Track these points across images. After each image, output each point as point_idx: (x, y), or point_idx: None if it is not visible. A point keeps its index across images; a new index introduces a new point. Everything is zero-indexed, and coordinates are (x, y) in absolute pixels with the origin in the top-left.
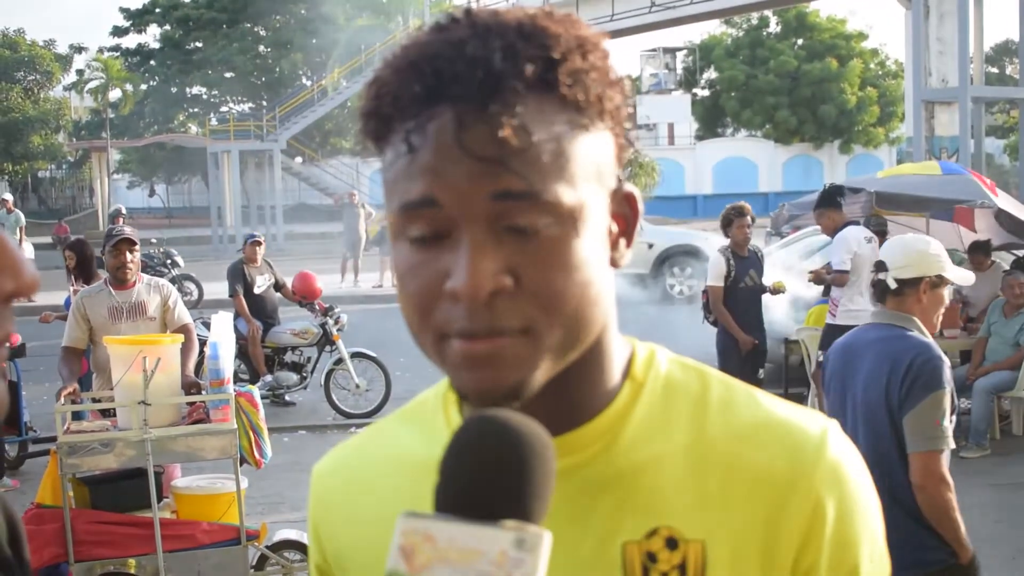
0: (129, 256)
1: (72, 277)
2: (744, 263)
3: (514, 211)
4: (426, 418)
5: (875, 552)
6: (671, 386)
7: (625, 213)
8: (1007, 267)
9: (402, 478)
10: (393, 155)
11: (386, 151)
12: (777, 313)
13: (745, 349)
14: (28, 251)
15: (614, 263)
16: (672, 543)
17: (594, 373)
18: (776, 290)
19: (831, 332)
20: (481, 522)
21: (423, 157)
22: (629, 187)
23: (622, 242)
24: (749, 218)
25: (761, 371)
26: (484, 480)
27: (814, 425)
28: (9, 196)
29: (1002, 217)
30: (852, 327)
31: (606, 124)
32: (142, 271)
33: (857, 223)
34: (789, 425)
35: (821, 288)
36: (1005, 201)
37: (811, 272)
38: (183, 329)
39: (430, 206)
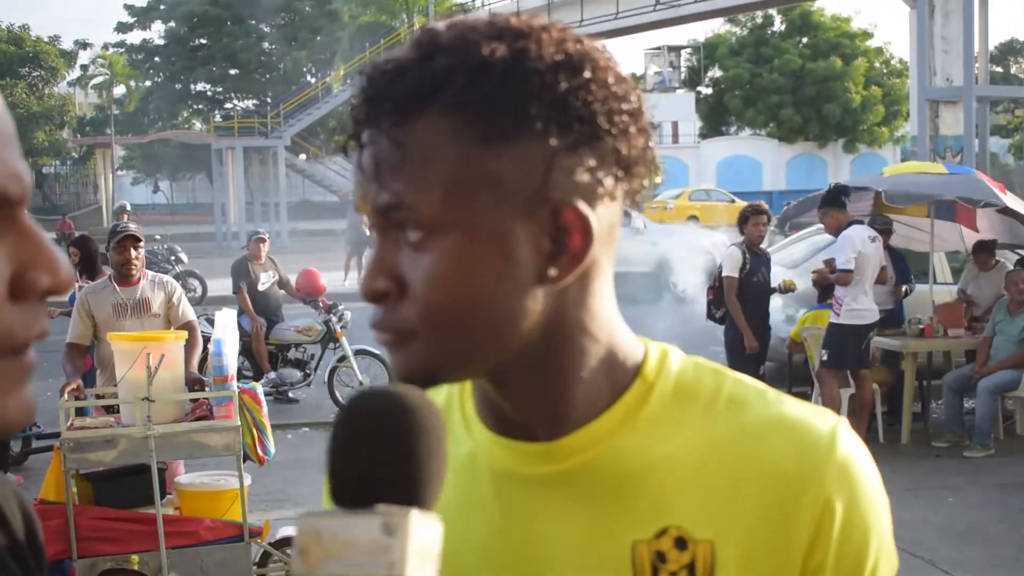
0: (133, 253)
1: (77, 273)
2: (757, 259)
3: (393, 222)
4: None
5: (883, 550)
6: (682, 386)
7: (580, 230)
8: (1011, 266)
9: None
10: None
11: None
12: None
13: (750, 351)
14: None
15: (547, 279)
16: (681, 543)
17: (577, 377)
18: (786, 288)
19: (834, 331)
20: (357, 512)
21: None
22: (579, 204)
23: (564, 260)
24: (766, 216)
25: (762, 367)
26: (364, 469)
27: (824, 423)
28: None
29: (1011, 216)
30: (855, 326)
31: (534, 137)
32: (146, 268)
33: (861, 222)
34: (799, 423)
35: (817, 289)
36: (1012, 201)
37: (814, 272)
38: (187, 326)
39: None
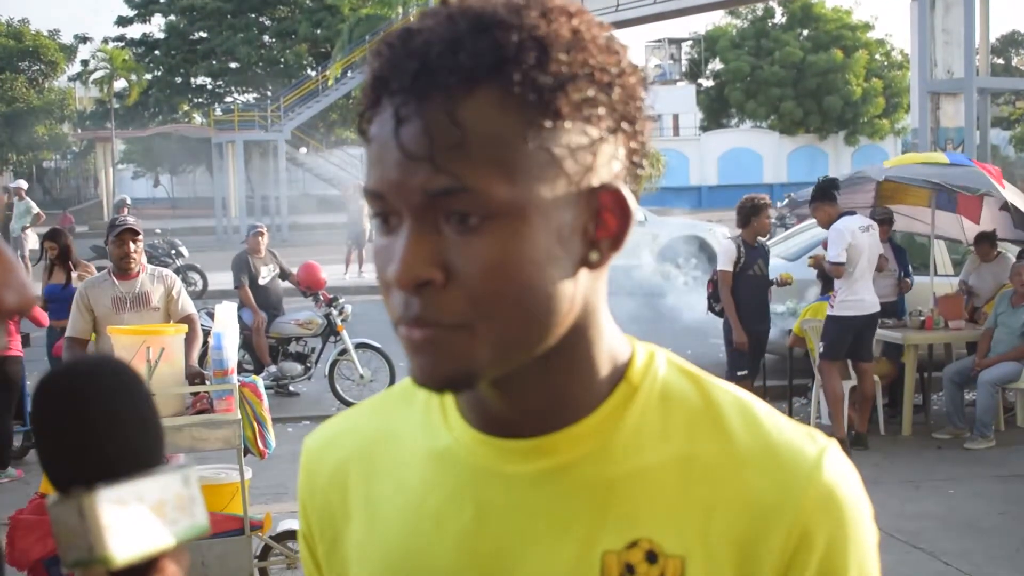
0: (132, 246)
1: (54, 267)
2: (753, 253)
3: (445, 206)
4: (421, 402)
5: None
6: (668, 393)
7: (616, 214)
8: (1013, 258)
9: (390, 464)
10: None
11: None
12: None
13: (737, 346)
14: (32, 241)
15: (589, 264)
16: (652, 556)
17: (577, 373)
18: (783, 282)
19: (829, 323)
20: (66, 499)
21: (371, 150)
22: (618, 187)
23: (605, 243)
24: (771, 209)
25: (762, 360)
26: (66, 452)
27: (811, 448)
28: (24, 183)
29: (1010, 210)
30: (850, 317)
31: (578, 120)
32: (147, 262)
33: (853, 213)
34: (784, 448)
35: (820, 281)
36: (1012, 194)
37: (811, 257)
38: (187, 319)
39: (377, 195)
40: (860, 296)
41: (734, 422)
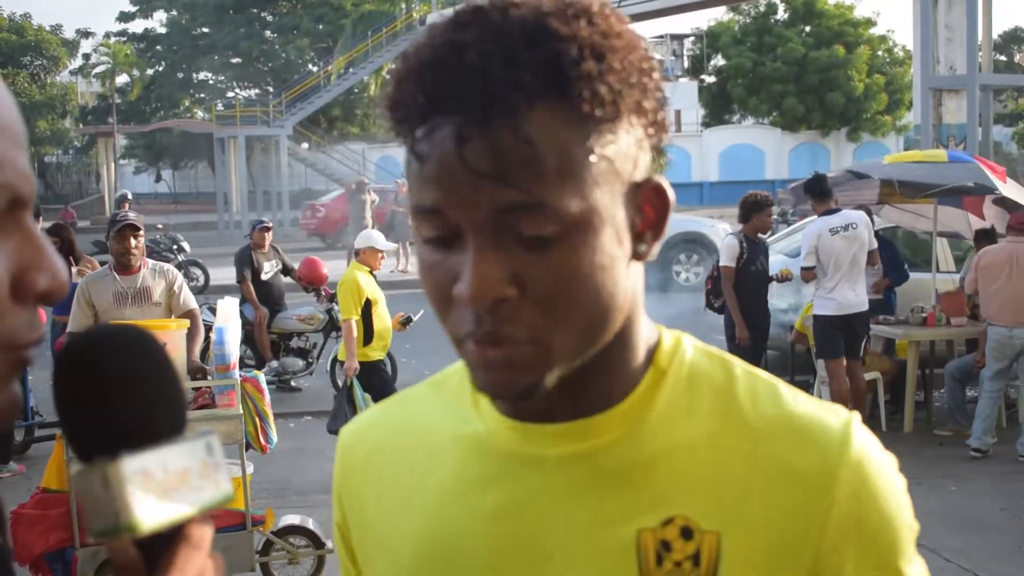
0: (133, 242)
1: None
2: (755, 249)
3: (518, 222)
4: (453, 390)
5: (903, 546)
6: (695, 375)
7: (655, 205)
8: None
9: (422, 450)
10: (407, 158)
11: (404, 147)
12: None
13: (742, 342)
14: None
15: (639, 256)
16: (687, 533)
17: (618, 361)
18: (783, 277)
19: (814, 322)
20: (89, 468)
21: (428, 168)
22: (658, 179)
23: (649, 235)
24: (773, 206)
25: (763, 356)
26: (89, 421)
27: (836, 420)
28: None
29: (1007, 205)
30: (827, 316)
31: (626, 122)
32: (148, 256)
33: (838, 211)
34: (812, 422)
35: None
36: (1012, 189)
37: (780, 271)
38: (189, 314)
39: (437, 213)
40: (835, 296)
41: (760, 397)
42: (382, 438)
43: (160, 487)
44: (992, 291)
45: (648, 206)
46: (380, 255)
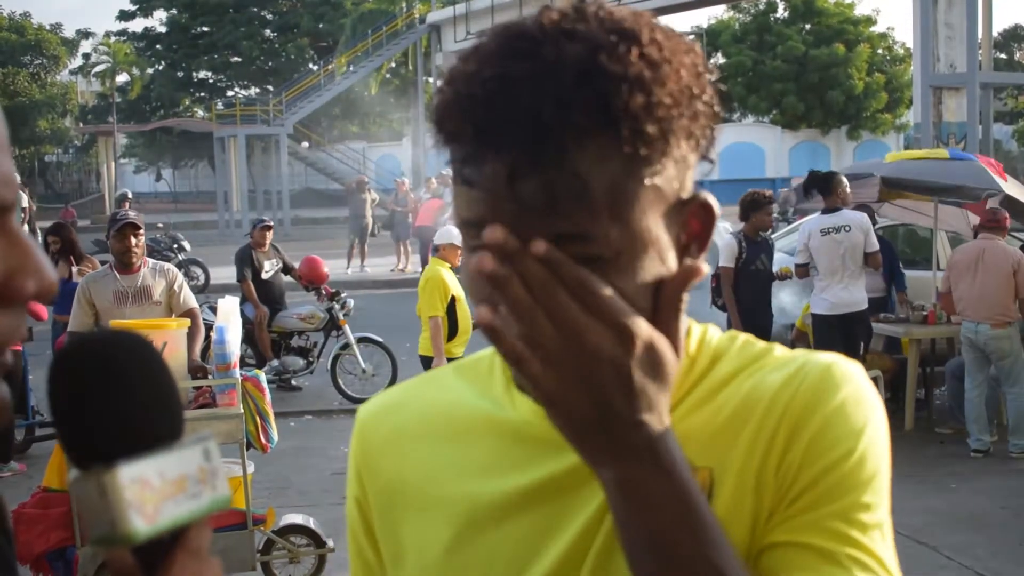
0: (134, 241)
1: (58, 261)
2: (756, 247)
3: (566, 249)
4: (481, 373)
5: (866, 481)
6: (717, 356)
7: (701, 219)
8: None
9: (452, 431)
10: (454, 169)
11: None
12: (784, 298)
13: None
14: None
15: None
16: None
17: None
18: (783, 275)
19: (812, 321)
20: (86, 476)
21: (476, 194)
22: (704, 197)
23: (694, 247)
24: (774, 205)
25: None
26: (86, 429)
27: (830, 358)
28: (16, 177)
29: (1008, 204)
30: (822, 316)
31: (675, 147)
32: (148, 256)
33: (837, 210)
34: (806, 357)
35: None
36: (1013, 187)
37: (781, 268)
38: (189, 313)
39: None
40: (827, 296)
41: (766, 353)
42: (406, 418)
43: (157, 495)
44: (962, 288)
45: (694, 220)
46: (459, 251)
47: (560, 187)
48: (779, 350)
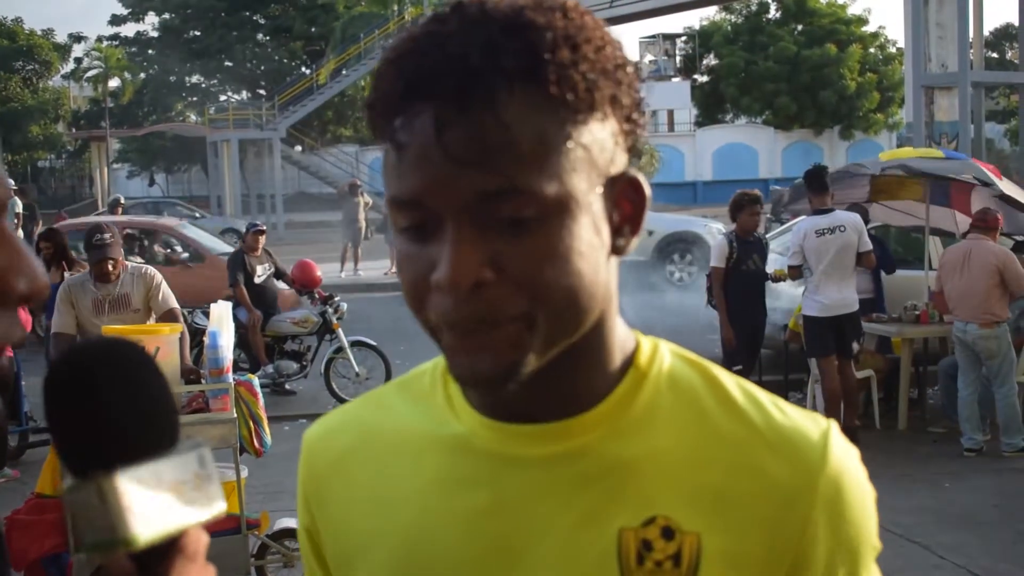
0: (111, 265)
1: (50, 267)
2: (748, 247)
3: (496, 206)
4: (424, 391)
5: (869, 559)
6: (675, 379)
7: (632, 199)
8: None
9: (397, 453)
10: (385, 149)
11: (383, 143)
12: (785, 301)
13: (727, 344)
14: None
15: (617, 251)
16: (668, 533)
17: (594, 360)
18: (777, 278)
19: (804, 321)
20: (84, 482)
21: (407, 155)
22: (634, 174)
23: (627, 229)
24: (760, 206)
25: (758, 355)
26: (80, 436)
27: (815, 430)
28: (11, 182)
29: (1004, 202)
30: (814, 317)
31: (601, 113)
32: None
33: (831, 211)
34: (792, 430)
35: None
36: (1009, 187)
37: (775, 270)
38: (170, 314)
39: (415, 202)
40: (819, 297)
41: (740, 404)
42: (350, 442)
43: (155, 500)
44: (950, 287)
45: (625, 200)
46: None
47: (489, 136)
48: (742, 392)
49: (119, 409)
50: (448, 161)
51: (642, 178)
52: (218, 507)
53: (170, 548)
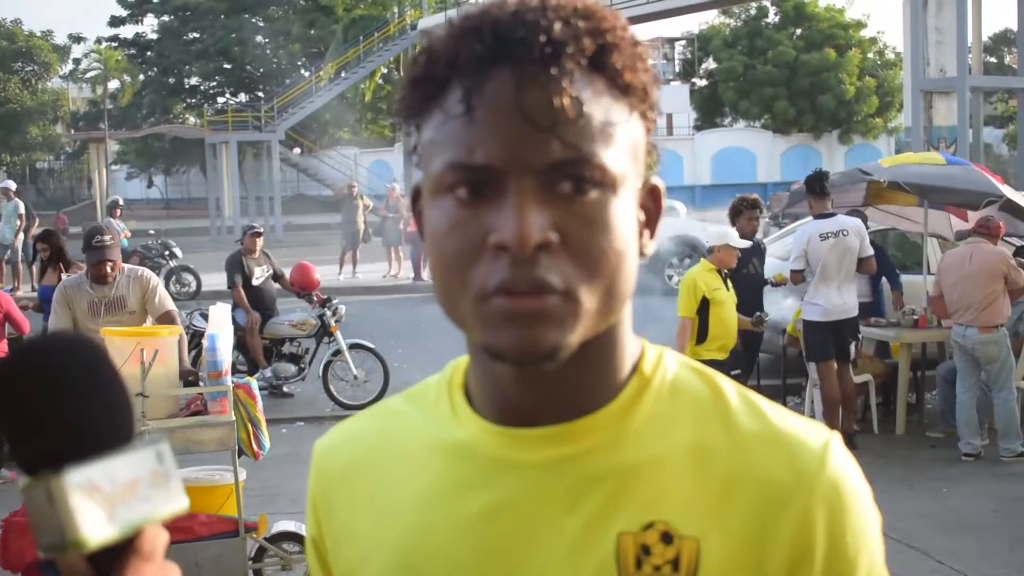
0: (110, 267)
1: (47, 268)
2: (746, 251)
3: (561, 176)
4: (429, 401)
5: (873, 567)
6: (678, 387)
7: (649, 205)
8: None
9: (401, 461)
10: (443, 116)
11: (432, 114)
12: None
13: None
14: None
15: (642, 252)
16: (667, 538)
17: (604, 360)
18: (777, 282)
19: (804, 326)
20: (34, 484)
21: (481, 115)
22: (656, 180)
23: (646, 232)
24: (758, 211)
25: (756, 359)
26: (32, 438)
27: (816, 438)
28: (13, 184)
29: (1008, 208)
30: (814, 322)
31: (643, 111)
32: (140, 263)
33: (832, 215)
34: (793, 436)
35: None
36: (1011, 193)
37: (776, 275)
38: (166, 316)
39: (482, 164)
40: (820, 301)
41: (741, 412)
42: (358, 452)
43: (107, 499)
44: (950, 291)
45: (648, 204)
46: (735, 252)
47: (566, 106)
48: (744, 399)
49: (68, 406)
50: (525, 125)
51: (662, 186)
52: (178, 504)
53: (126, 548)
